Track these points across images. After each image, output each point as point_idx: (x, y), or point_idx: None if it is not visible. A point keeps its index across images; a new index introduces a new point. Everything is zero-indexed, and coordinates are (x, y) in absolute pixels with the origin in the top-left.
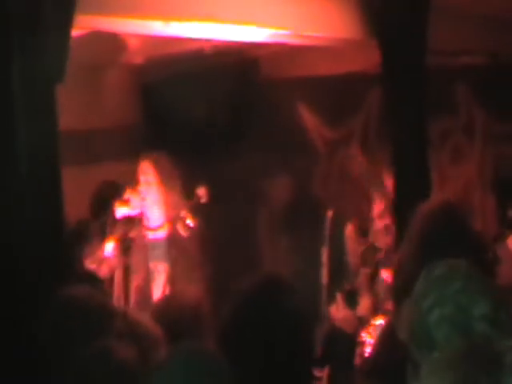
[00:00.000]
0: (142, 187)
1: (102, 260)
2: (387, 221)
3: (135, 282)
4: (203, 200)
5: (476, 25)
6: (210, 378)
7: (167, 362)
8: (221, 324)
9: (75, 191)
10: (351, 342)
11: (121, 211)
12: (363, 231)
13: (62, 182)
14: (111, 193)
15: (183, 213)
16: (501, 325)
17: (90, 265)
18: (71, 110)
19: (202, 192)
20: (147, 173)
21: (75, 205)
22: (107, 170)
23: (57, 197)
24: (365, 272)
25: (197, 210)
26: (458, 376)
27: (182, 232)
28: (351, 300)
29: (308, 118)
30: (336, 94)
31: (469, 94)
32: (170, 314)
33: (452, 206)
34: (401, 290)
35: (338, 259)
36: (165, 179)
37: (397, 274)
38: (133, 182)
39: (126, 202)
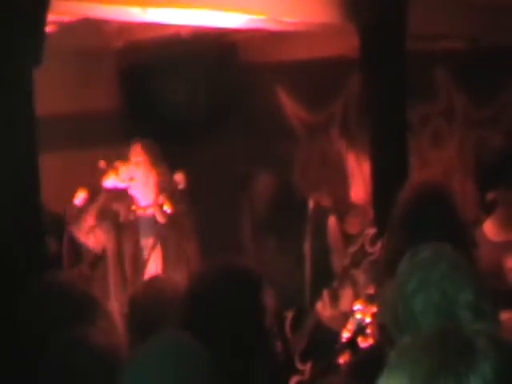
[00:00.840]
0: (132, 166)
1: (89, 229)
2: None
3: (126, 256)
4: (181, 186)
5: (456, 10)
6: (189, 365)
7: (145, 350)
8: (180, 310)
9: (57, 177)
10: (336, 339)
11: (109, 181)
12: (343, 217)
13: (39, 168)
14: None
15: (160, 199)
16: (483, 313)
17: (77, 235)
18: (49, 95)
19: (179, 178)
20: (138, 155)
21: (57, 190)
22: (83, 155)
23: (35, 182)
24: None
25: (174, 196)
26: (432, 360)
27: (160, 218)
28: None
29: (287, 102)
30: (315, 78)
31: (449, 78)
32: (148, 300)
33: (436, 186)
34: (384, 273)
35: (321, 253)
36: (154, 163)
37: (381, 256)
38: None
39: (116, 170)
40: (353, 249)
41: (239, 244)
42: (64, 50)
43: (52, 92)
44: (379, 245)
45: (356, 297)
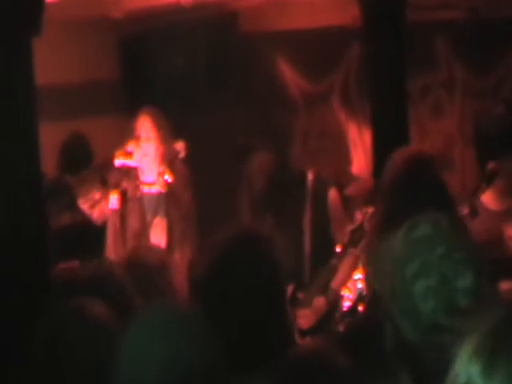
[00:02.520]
0: (143, 143)
1: (94, 203)
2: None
3: (131, 230)
4: (181, 155)
5: None
6: (187, 332)
7: (142, 319)
8: (197, 278)
9: (50, 147)
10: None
11: (120, 161)
12: (344, 188)
13: (39, 138)
14: (78, 145)
15: (161, 168)
16: (482, 297)
17: (82, 205)
18: (49, 65)
19: (180, 146)
20: (147, 128)
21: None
22: (84, 125)
23: (35, 154)
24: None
25: (175, 165)
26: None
27: (161, 188)
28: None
29: (288, 72)
30: (316, 48)
31: (449, 49)
32: (136, 272)
33: (423, 156)
34: (373, 239)
35: (321, 227)
36: (162, 135)
37: (372, 227)
38: (131, 135)
39: (129, 155)
40: (351, 227)
41: (236, 216)
42: (64, 20)
43: (51, 63)
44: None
45: (355, 266)
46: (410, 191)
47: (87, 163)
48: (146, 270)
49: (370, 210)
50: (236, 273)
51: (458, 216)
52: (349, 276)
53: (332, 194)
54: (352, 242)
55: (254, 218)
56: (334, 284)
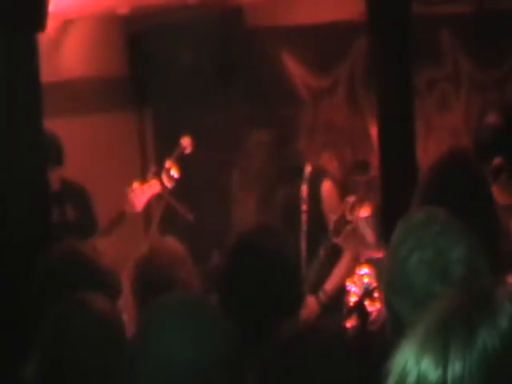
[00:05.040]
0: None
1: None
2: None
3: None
4: (187, 150)
5: None
6: (205, 325)
7: (159, 311)
8: (215, 270)
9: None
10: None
11: None
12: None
13: (44, 133)
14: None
15: (168, 163)
16: (477, 269)
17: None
18: (57, 61)
19: (186, 142)
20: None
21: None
22: (92, 122)
23: (38, 146)
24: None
25: (181, 160)
26: (451, 310)
27: (167, 183)
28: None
29: (293, 67)
30: (321, 42)
31: (454, 42)
32: (153, 264)
33: (466, 158)
34: None
35: (316, 218)
36: None
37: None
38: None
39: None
40: (334, 217)
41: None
42: (71, 16)
43: (58, 59)
44: (359, 212)
45: (355, 261)
46: (446, 190)
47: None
48: (164, 262)
49: (351, 200)
50: (253, 262)
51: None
52: (344, 278)
53: (326, 185)
54: (334, 232)
55: (247, 194)
56: (328, 285)
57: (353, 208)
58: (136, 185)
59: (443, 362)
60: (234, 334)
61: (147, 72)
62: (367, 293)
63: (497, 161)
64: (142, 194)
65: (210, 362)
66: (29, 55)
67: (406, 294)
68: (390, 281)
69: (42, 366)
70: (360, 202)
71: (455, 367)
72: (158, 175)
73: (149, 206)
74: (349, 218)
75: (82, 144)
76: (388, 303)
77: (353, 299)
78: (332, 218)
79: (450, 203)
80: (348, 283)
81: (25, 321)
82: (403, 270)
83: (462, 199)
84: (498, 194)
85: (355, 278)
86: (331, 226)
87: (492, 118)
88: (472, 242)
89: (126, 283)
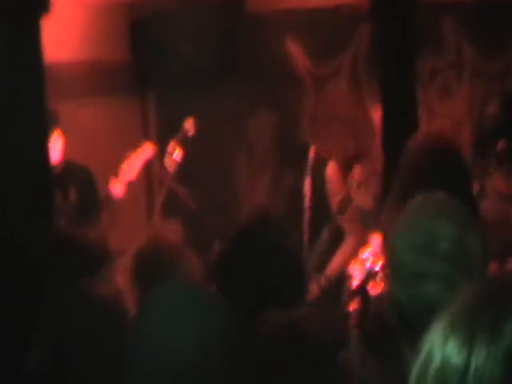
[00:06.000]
0: None
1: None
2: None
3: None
4: (190, 133)
5: None
6: (203, 312)
7: (156, 298)
8: (215, 258)
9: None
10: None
11: None
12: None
13: (46, 117)
14: None
15: (170, 146)
16: (467, 246)
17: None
18: (59, 47)
19: (189, 125)
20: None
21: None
22: (93, 106)
23: (42, 131)
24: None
25: (184, 143)
26: (482, 296)
27: (170, 166)
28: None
29: (296, 52)
30: (324, 27)
31: (457, 30)
32: (153, 252)
33: (444, 138)
34: (387, 221)
35: (319, 201)
36: None
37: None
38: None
39: None
40: (339, 197)
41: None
42: (74, 2)
43: (60, 45)
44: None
45: (357, 245)
46: (428, 172)
47: None
48: (165, 252)
49: (356, 180)
50: (251, 250)
51: (474, 197)
52: (346, 262)
53: (330, 167)
54: (339, 211)
55: (251, 178)
56: (329, 269)
57: (357, 189)
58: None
59: (468, 346)
60: (233, 322)
61: (150, 57)
62: (370, 276)
63: (501, 144)
64: (135, 160)
65: (207, 349)
66: (32, 39)
67: (397, 274)
68: (387, 263)
69: (43, 356)
70: (363, 184)
71: (480, 354)
72: (160, 159)
73: (151, 191)
74: (353, 198)
75: (84, 128)
76: (387, 288)
77: (355, 283)
78: (336, 200)
79: (430, 184)
80: (350, 267)
81: (25, 305)
82: (394, 251)
83: (440, 180)
84: (502, 182)
85: (357, 262)
86: (335, 207)
87: (493, 109)
88: (465, 221)
89: (126, 273)
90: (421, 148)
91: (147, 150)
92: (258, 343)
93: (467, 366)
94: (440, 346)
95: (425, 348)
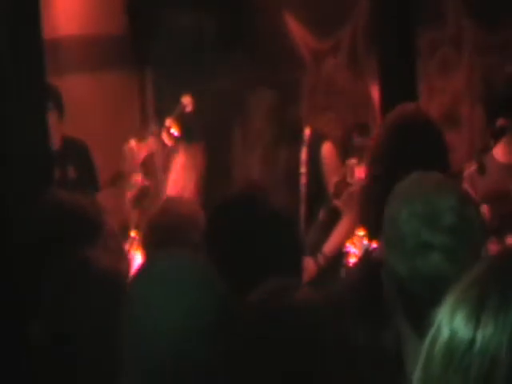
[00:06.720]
0: None
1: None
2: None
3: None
4: (188, 109)
5: None
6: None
7: (152, 269)
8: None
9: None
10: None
11: None
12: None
13: (47, 90)
14: None
15: (168, 122)
16: (467, 218)
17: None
18: (55, 20)
19: (187, 100)
20: None
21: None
22: (89, 80)
23: (42, 106)
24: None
25: (182, 118)
26: (491, 271)
27: (167, 141)
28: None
29: (294, 28)
30: (323, 3)
31: (457, 3)
32: (167, 223)
33: (422, 115)
34: (366, 200)
35: (315, 181)
36: None
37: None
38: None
39: None
40: (336, 179)
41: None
42: None
43: (56, 18)
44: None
45: (354, 224)
46: (403, 150)
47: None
48: (176, 223)
49: (352, 162)
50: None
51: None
52: (343, 240)
53: (326, 147)
54: (336, 195)
55: (248, 154)
56: (327, 247)
57: (353, 170)
58: (133, 142)
59: (475, 319)
60: (227, 296)
61: (148, 31)
62: (367, 253)
63: (500, 121)
64: (138, 151)
65: (197, 324)
66: (31, 13)
67: (398, 246)
68: (385, 237)
69: (44, 329)
70: (360, 165)
71: (487, 326)
72: (157, 134)
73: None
74: (349, 180)
75: (81, 102)
76: (384, 262)
77: (352, 260)
78: (332, 180)
79: (409, 159)
80: (347, 244)
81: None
82: (395, 223)
83: (419, 156)
84: (503, 153)
85: (355, 240)
86: (331, 189)
87: (509, 69)
88: (463, 194)
89: (139, 244)
90: (397, 125)
91: (151, 145)
92: (248, 321)
93: (474, 338)
94: (448, 319)
95: (435, 322)
